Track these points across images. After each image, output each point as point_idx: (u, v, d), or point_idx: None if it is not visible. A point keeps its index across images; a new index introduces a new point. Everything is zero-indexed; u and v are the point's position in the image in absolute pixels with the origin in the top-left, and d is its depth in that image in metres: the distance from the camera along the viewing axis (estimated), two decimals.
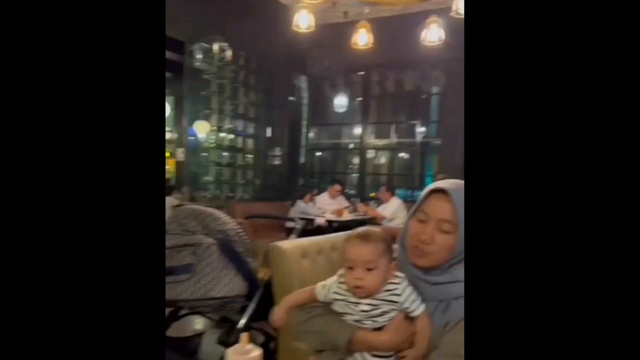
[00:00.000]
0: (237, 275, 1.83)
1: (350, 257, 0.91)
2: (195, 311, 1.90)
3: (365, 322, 0.94)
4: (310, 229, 4.55)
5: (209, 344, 1.95)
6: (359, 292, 0.91)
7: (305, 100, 6.38)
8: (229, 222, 1.81)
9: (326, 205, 5.03)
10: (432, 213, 0.93)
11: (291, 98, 6.09)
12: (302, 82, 6.28)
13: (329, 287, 0.98)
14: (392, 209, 4.81)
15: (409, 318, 0.94)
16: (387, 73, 6.34)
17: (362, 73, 6.20)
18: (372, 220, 4.87)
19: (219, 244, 1.78)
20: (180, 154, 6.25)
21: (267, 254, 1.79)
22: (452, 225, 0.92)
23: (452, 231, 0.92)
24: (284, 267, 1.86)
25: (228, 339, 1.85)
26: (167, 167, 6.96)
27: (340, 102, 6.03)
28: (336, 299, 0.97)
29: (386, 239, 0.94)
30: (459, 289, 0.91)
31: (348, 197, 5.65)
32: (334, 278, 0.99)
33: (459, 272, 0.93)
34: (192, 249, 1.74)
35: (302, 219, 4.63)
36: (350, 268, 0.91)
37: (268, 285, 1.87)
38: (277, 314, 1.00)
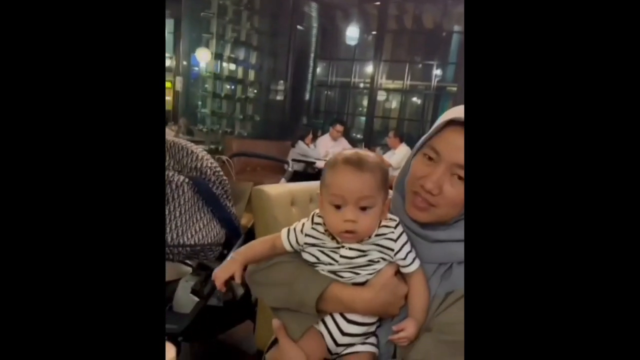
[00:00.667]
0: (213, 220, 1.57)
1: (337, 192, 0.67)
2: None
3: (344, 273, 0.73)
4: (310, 173, 4.30)
5: (183, 292, 1.74)
6: (348, 237, 0.69)
7: (314, 31, 5.82)
8: (205, 159, 1.52)
9: (328, 147, 4.72)
10: (445, 152, 0.69)
11: (299, 27, 5.53)
12: (313, 9, 5.69)
13: (299, 232, 0.74)
14: (400, 157, 4.51)
15: (400, 274, 0.73)
16: (406, 6, 5.77)
17: (378, 3, 5.63)
18: None
19: (193, 183, 1.51)
20: (178, 83, 5.88)
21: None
22: None
23: None
24: (267, 215, 1.59)
25: (202, 290, 1.63)
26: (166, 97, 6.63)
27: (352, 34, 5.47)
28: (309, 244, 0.73)
29: (383, 167, 0.70)
30: None
31: (354, 141, 5.34)
32: (305, 220, 0.75)
33: None
34: None
35: (300, 161, 4.43)
36: (338, 206, 0.67)
37: (251, 233, 1.62)
38: (227, 271, 0.75)
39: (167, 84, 6.37)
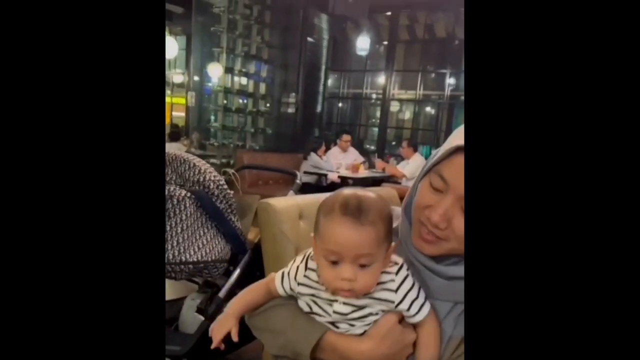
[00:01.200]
0: (218, 235, 1.50)
1: (333, 248, 0.59)
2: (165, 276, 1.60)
3: (340, 324, 0.65)
4: (323, 185, 4.23)
5: (188, 311, 1.67)
6: (346, 294, 0.62)
7: (325, 42, 5.80)
8: (208, 172, 1.46)
9: (338, 159, 4.64)
10: (454, 182, 0.60)
11: (310, 39, 5.52)
12: (323, 21, 5.68)
13: (292, 278, 0.67)
14: (414, 167, 4.40)
15: (406, 322, 0.65)
16: (417, 15, 5.72)
17: (389, 14, 5.59)
18: (391, 178, 4.49)
19: (195, 198, 1.44)
20: (190, 98, 5.92)
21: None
22: None
23: None
24: (274, 229, 1.51)
25: (207, 309, 1.55)
26: (178, 112, 6.69)
27: (363, 45, 5.43)
28: (302, 294, 0.67)
29: (386, 213, 0.61)
30: None
31: (367, 152, 5.26)
32: (298, 262, 0.68)
33: None
34: None
35: (313, 173, 4.36)
36: (334, 262, 0.60)
37: (258, 248, 1.55)
38: (222, 327, 0.68)
39: (181, 100, 6.43)
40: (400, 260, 0.65)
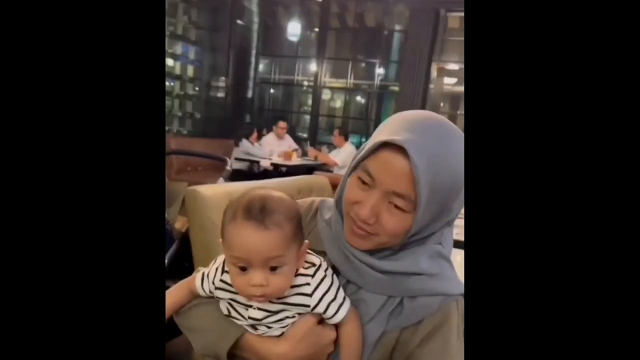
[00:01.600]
0: None
1: (240, 254, 0.57)
2: None
3: (259, 327, 0.64)
4: (256, 173, 4.18)
5: None
6: (259, 299, 0.60)
7: (255, 26, 5.67)
8: None
9: (274, 146, 4.61)
10: (380, 177, 0.59)
11: (239, 22, 5.36)
12: (253, 4, 5.54)
13: (210, 280, 0.66)
14: (345, 155, 4.50)
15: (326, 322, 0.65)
16: (347, 4, 5.79)
17: (320, 0, 5.59)
18: (323, 166, 4.56)
19: None
20: None
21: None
22: (409, 203, 0.59)
23: (408, 210, 0.59)
24: (203, 217, 1.48)
25: None
26: None
27: (294, 30, 5.40)
28: (220, 297, 0.65)
29: (294, 214, 0.60)
30: (421, 284, 0.63)
31: (299, 140, 5.27)
32: (218, 263, 0.66)
33: (420, 257, 0.64)
34: None
35: (245, 160, 4.29)
36: (243, 268, 0.58)
37: (186, 238, 1.50)
38: None
39: None
40: (317, 260, 0.64)
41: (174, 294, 0.69)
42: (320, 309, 0.62)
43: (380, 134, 0.61)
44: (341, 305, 0.62)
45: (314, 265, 0.63)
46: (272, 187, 1.53)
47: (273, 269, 0.57)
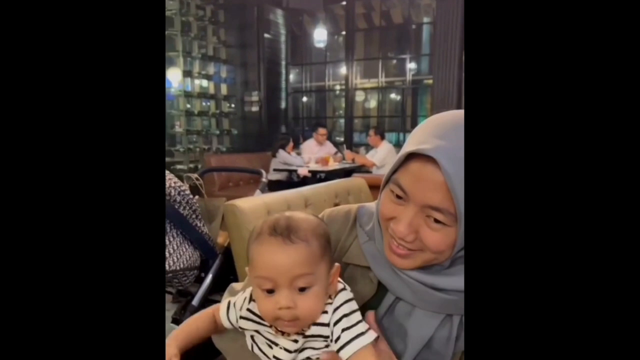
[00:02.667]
0: (184, 243, 1.47)
1: (265, 274, 0.54)
2: None
3: None
4: (295, 181, 4.21)
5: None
6: (289, 325, 0.55)
7: (282, 37, 5.74)
8: (167, 179, 1.42)
9: (313, 152, 4.63)
10: (413, 191, 0.55)
11: (267, 35, 5.45)
12: (278, 16, 5.62)
13: (237, 309, 0.62)
14: (382, 155, 4.43)
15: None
16: (372, 3, 5.74)
17: (344, 3, 5.58)
18: (362, 168, 4.51)
19: None
20: None
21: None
22: (449, 216, 0.53)
23: (449, 223, 0.53)
24: (242, 230, 1.49)
25: (182, 318, 1.51)
26: None
27: (321, 37, 5.41)
28: (244, 328, 0.61)
29: (322, 232, 0.57)
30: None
31: (336, 144, 5.26)
32: (246, 292, 0.62)
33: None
34: None
35: (283, 170, 4.33)
36: (270, 291, 0.55)
37: (229, 251, 1.52)
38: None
39: None
40: (341, 285, 0.59)
41: (194, 324, 0.66)
42: (335, 333, 0.56)
43: (410, 143, 0.57)
44: (359, 336, 0.55)
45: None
46: (308, 193, 1.49)
47: (301, 290, 0.54)
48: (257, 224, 0.58)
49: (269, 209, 1.57)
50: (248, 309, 0.60)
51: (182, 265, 1.44)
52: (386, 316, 0.61)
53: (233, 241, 1.45)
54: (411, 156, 0.55)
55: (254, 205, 1.51)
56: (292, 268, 0.53)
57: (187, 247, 1.47)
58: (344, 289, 0.59)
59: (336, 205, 1.85)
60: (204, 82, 4.93)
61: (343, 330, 0.55)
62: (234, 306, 0.62)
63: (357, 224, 0.68)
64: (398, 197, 0.56)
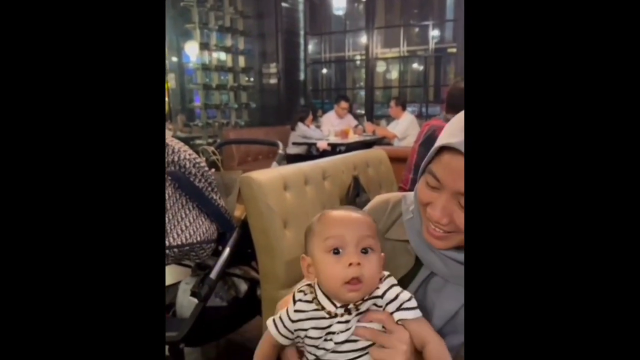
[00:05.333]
0: (201, 216, 1.45)
1: (335, 232, 0.61)
2: None
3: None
4: (314, 155, 4.15)
5: (183, 295, 1.63)
6: (354, 289, 0.59)
7: (301, 6, 5.57)
8: (182, 150, 1.39)
9: (334, 125, 4.54)
10: (446, 179, 0.61)
11: (284, 4, 5.30)
12: None
13: (284, 318, 0.63)
14: (404, 126, 4.31)
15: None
16: None
17: None
18: (383, 141, 4.41)
19: (172, 179, 1.38)
20: (171, 80, 5.74)
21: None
22: None
23: None
24: (259, 203, 1.46)
25: (200, 291, 1.52)
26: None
27: (339, 3, 5.21)
28: (300, 329, 0.62)
29: (372, 217, 0.66)
30: None
31: (356, 116, 5.15)
32: (283, 309, 0.65)
33: None
34: None
35: (302, 144, 4.28)
36: (336, 252, 0.60)
37: (246, 225, 1.50)
38: None
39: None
40: (386, 272, 0.64)
41: (259, 351, 0.68)
42: (389, 295, 0.60)
43: (443, 136, 0.62)
44: (411, 309, 0.60)
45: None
46: (326, 165, 1.54)
47: (364, 252, 0.60)
48: (316, 216, 0.65)
49: (285, 181, 1.53)
50: (296, 310, 0.63)
51: (199, 238, 1.42)
52: (419, 290, 0.67)
53: (249, 214, 1.43)
54: (443, 148, 0.61)
55: (270, 177, 1.47)
56: (359, 227, 0.61)
57: (203, 220, 1.45)
58: (390, 275, 0.63)
59: (355, 177, 1.81)
60: (222, 55, 4.87)
61: (396, 295, 0.60)
62: (280, 320, 0.64)
63: (402, 203, 0.76)
64: (432, 187, 0.63)
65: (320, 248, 0.61)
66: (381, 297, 0.60)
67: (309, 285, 0.64)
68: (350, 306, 0.59)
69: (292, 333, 0.63)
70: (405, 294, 0.61)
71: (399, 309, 0.59)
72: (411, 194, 0.76)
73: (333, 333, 0.59)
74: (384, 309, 0.60)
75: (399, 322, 0.59)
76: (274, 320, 0.65)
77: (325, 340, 0.60)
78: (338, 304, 0.60)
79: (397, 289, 0.61)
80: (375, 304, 0.60)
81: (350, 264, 0.58)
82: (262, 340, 0.68)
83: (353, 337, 0.60)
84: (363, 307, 0.60)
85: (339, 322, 0.60)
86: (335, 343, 0.59)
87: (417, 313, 0.60)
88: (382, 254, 0.63)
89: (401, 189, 2.01)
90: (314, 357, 0.62)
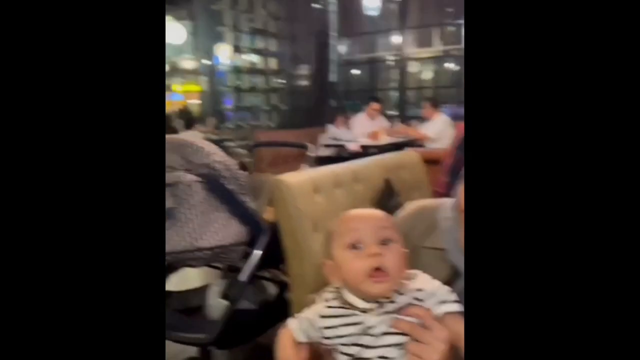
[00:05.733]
0: (232, 218, 1.45)
1: (352, 226, 0.63)
2: (184, 264, 1.56)
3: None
4: (345, 157, 4.12)
5: (213, 297, 1.64)
6: (379, 280, 0.58)
7: (332, 7, 5.54)
8: (213, 153, 1.40)
9: (365, 128, 4.48)
10: None
11: (316, 6, 5.29)
12: None
13: (310, 315, 0.62)
14: (437, 128, 4.20)
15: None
16: None
17: None
18: (415, 143, 4.32)
19: (205, 182, 1.38)
20: (203, 83, 5.85)
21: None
22: None
23: None
24: (289, 206, 1.44)
25: (230, 293, 1.52)
26: (194, 100, 6.68)
27: (372, 4, 5.14)
28: (330, 326, 0.61)
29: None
30: None
31: (389, 118, 5.06)
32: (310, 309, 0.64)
33: None
34: (170, 190, 1.35)
35: (333, 146, 4.24)
36: (356, 247, 0.61)
37: (276, 228, 1.49)
38: None
39: (193, 87, 6.39)
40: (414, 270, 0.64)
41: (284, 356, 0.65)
42: (429, 290, 0.60)
43: None
44: (451, 302, 0.59)
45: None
46: (357, 168, 1.57)
47: (384, 244, 0.60)
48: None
49: (315, 184, 1.51)
50: (328, 306, 0.62)
51: (230, 241, 1.42)
52: None
53: (279, 217, 1.41)
54: None
55: (300, 180, 1.46)
56: (375, 219, 0.63)
57: (234, 222, 1.45)
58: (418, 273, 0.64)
59: (387, 180, 1.76)
60: (254, 57, 4.91)
61: (436, 289, 0.60)
62: (303, 317, 0.63)
63: (439, 210, 0.75)
64: None
65: (339, 247, 0.62)
66: (420, 290, 0.60)
67: (335, 288, 0.64)
68: (383, 300, 0.59)
69: (314, 329, 0.61)
70: (445, 288, 0.60)
71: (439, 303, 0.59)
72: (448, 200, 0.75)
73: (369, 327, 0.58)
74: (423, 305, 0.59)
75: (440, 317, 0.58)
76: (300, 320, 0.63)
77: (360, 335, 0.59)
78: (369, 301, 0.59)
79: (436, 283, 0.61)
80: (416, 298, 0.59)
81: (370, 255, 0.58)
82: (280, 343, 0.65)
83: (391, 330, 0.58)
84: (400, 301, 0.59)
85: (373, 316, 0.59)
86: (372, 336, 0.58)
87: (457, 307, 0.58)
88: (406, 250, 0.63)
89: (435, 193, 1.95)
90: (347, 357, 0.60)
